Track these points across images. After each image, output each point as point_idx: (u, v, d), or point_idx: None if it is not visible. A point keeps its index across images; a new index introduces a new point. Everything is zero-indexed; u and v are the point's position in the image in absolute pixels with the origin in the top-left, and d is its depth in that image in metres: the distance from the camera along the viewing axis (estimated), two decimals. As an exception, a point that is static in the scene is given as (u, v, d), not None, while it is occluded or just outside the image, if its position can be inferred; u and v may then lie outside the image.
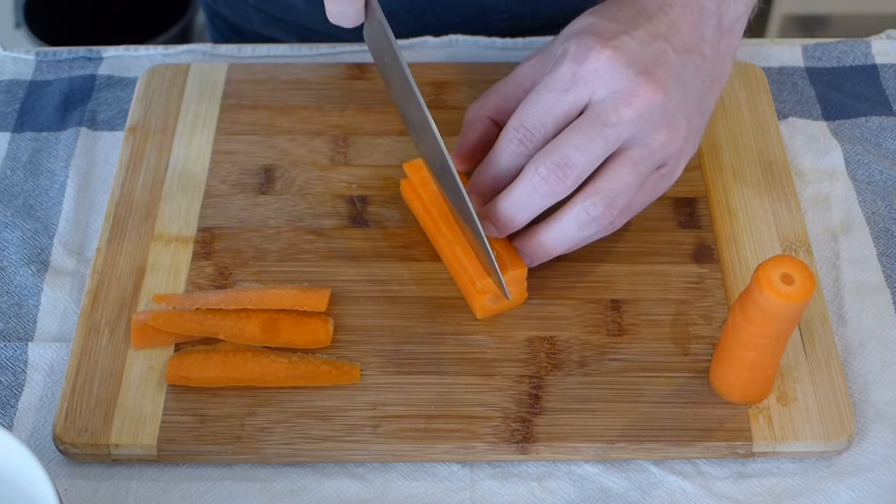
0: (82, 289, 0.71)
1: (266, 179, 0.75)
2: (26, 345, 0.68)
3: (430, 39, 0.85)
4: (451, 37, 0.84)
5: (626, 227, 0.71)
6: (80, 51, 0.84)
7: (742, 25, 0.70)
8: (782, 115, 0.80)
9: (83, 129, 0.79)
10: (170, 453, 0.63)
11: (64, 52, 0.84)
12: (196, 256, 0.71)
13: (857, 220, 0.74)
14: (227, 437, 0.63)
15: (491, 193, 0.67)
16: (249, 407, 0.64)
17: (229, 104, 0.79)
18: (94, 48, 0.84)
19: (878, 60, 0.83)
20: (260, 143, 0.77)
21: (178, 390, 0.65)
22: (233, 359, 0.65)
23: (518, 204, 0.65)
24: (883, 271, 0.72)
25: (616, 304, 0.69)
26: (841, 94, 0.81)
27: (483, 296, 0.67)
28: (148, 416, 0.64)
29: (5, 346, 0.68)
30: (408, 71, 0.63)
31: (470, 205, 0.63)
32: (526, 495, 0.63)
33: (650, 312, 0.68)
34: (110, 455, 0.63)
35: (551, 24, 0.83)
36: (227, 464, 0.64)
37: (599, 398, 0.65)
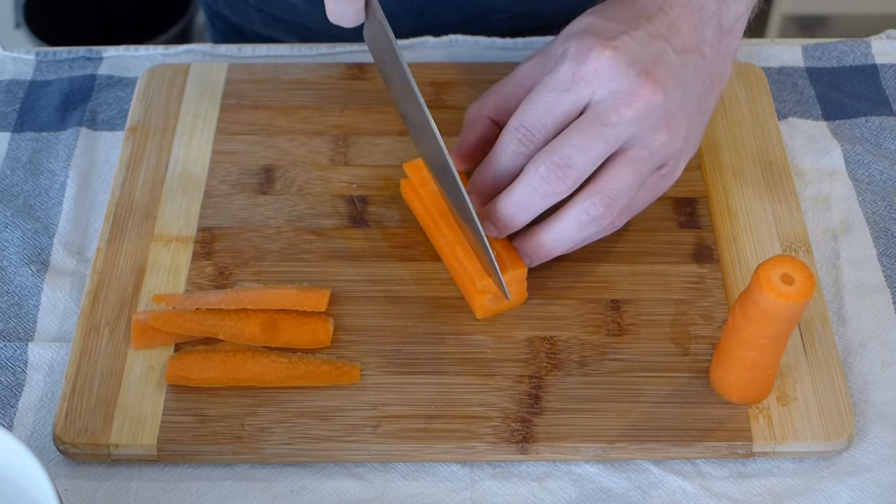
0: (82, 289, 0.71)
1: (266, 179, 0.75)
2: (26, 345, 0.68)
3: (430, 39, 0.85)
4: (451, 37, 0.85)
5: (626, 227, 0.71)
6: (80, 51, 0.84)
7: (742, 26, 0.70)
8: (782, 115, 0.80)
9: (83, 129, 0.79)
10: (170, 453, 0.63)
11: (64, 52, 0.84)
12: (196, 256, 0.71)
13: (857, 220, 0.74)
14: (227, 437, 0.63)
15: (491, 193, 0.67)
16: (249, 407, 0.64)
17: (229, 104, 0.79)
18: (94, 48, 0.84)
19: (878, 60, 0.83)
20: (260, 143, 0.77)
21: (178, 390, 0.65)
22: (233, 359, 0.65)
23: (518, 204, 0.65)
24: (883, 271, 0.72)
25: (616, 304, 0.69)
26: (841, 94, 0.81)
27: (483, 296, 0.67)
28: (148, 416, 0.64)
29: (5, 346, 0.68)
30: (408, 71, 0.63)
31: (470, 205, 0.63)
32: (526, 495, 0.63)
33: (650, 312, 0.68)
34: (110, 455, 0.63)
35: (551, 24, 0.83)
36: (227, 464, 0.64)
37: (599, 398, 0.65)
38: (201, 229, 0.72)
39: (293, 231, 0.72)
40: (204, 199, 0.74)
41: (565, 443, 0.63)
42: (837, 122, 0.80)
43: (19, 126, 0.80)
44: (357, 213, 0.73)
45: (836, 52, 0.84)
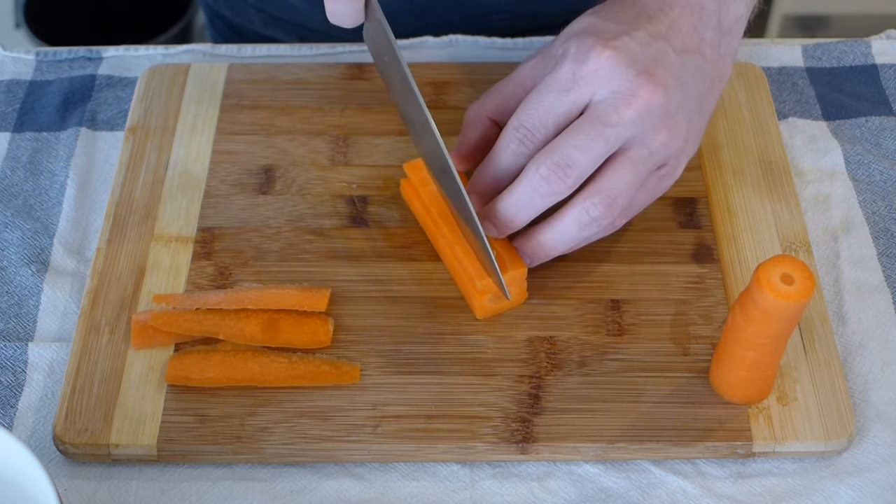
0: (82, 289, 0.71)
1: (266, 179, 0.75)
2: (26, 345, 0.68)
3: (430, 39, 0.85)
4: (451, 37, 0.84)
5: (626, 227, 0.71)
6: (80, 51, 0.84)
7: (742, 26, 0.70)
8: (782, 115, 0.80)
9: (83, 129, 0.79)
10: (170, 453, 0.63)
11: (64, 52, 0.84)
12: (196, 256, 0.71)
13: (857, 220, 0.74)
14: (227, 437, 0.63)
15: (491, 193, 0.67)
16: (249, 407, 0.64)
17: (229, 104, 0.79)
18: (94, 48, 0.84)
19: (878, 60, 0.83)
20: (260, 143, 0.77)
21: (178, 390, 0.65)
22: (233, 359, 0.65)
23: (518, 204, 0.65)
24: (883, 271, 0.72)
25: (616, 304, 0.69)
26: (841, 94, 0.81)
27: (483, 296, 0.67)
28: (148, 416, 0.64)
29: (5, 346, 0.68)
30: (408, 71, 0.63)
31: (470, 205, 0.63)
32: (526, 495, 0.63)
33: (650, 312, 0.68)
34: (110, 455, 0.63)
35: (551, 24, 0.83)
36: (227, 464, 0.64)
37: (599, 398, 0.65)
38: (201, 229, 0.72)
39: (293, 231, 0.72)
40: (204, 199, 0.74)
41: (565, 443, 0.63)
42: (837, 122, 0.80)
43: (19, 126, 0.80)
44: (357, 213, 0.73)
45: (836, 52, 0.84)
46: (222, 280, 0.70)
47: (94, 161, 0.78)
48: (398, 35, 0.65)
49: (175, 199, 0.74)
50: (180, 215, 0.73)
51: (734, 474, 0.64)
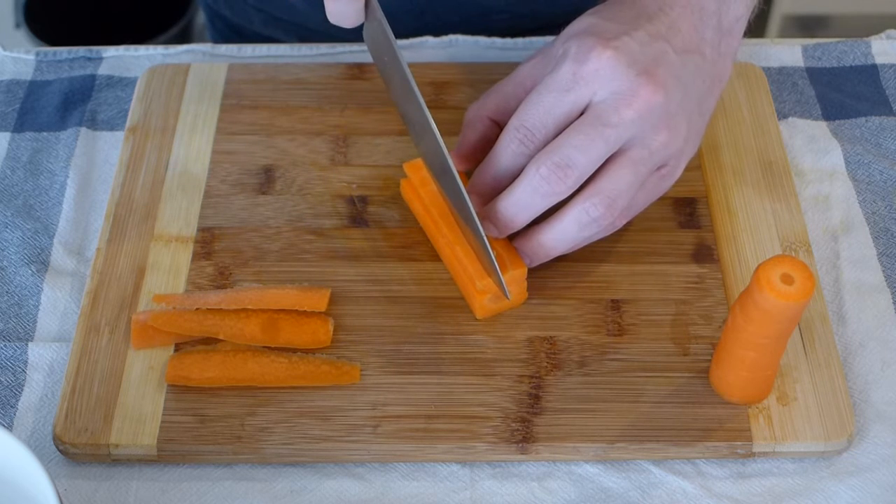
0: (82, 289, 0.71)
1: (266, 179, 0.75)
2: (26, 345, 0.68)
3: (430, 39, 0.85)
4: (451, 37, 0.84)
5: (626, 227, 0.71)
6: (80, 51, 0.84)
7: (742, 26, 0.70)
8: (782, 115, 0.80)
9: (83, 129, 0.79)
10: (170, 453, 0.63)
11: (64, 52, 0.84)
12: (196, 256, 0.71)
13: (857, 220, 0.74)
14: (227, 437, 0.63)
15: (491, 193, 0.67)
16: (249, 407, 0.64)
17: (229, 104, 0.79)
18: (94, 48, 0.84)
19: (878, 60, 0.83)
20: (260, 143, 0.77)
21: (178, 390, 0.65)
22: (233, 359, 0.65)
23: (518, 204, 0.65)
24: (883, 271, 0.72)
25: (616, 304, 0.69)
26: (841, 94, 0.81)
27: (483, 296, 0.67)
28: (148, 416, 0.64)
29: (5, 346, 0.68)
30: (408, 71, 0.63)
31: (470, 205, 0.63)
32: (526, 495, 0.63)
33: (650, 312, 0.68)
34: (110, 455, 0.63)
35: (551, 25, 0.83)
36: (227, 464, 0.64)
37: (599, 398, 0.65)
38: (201, 229, 0.72)
39: (293, 231, 0.72)
40: (204, 199, 0.74)
41: (565, 443, 0.63)
42: (837, 122, 0.80)
43: (19, 126, 0.80)
44: (357, 213, 0.73)
45: (836, 52, 0.84)
46: (222, 280, 0.70)
47: (94, 161, 0.78)
48: (398, 35, 0.65)
49: (175, 199, 0.74)
50: (180, 215, 0.73)
51: (734, 474, 0.64)
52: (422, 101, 0.63)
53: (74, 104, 0.81)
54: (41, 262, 0.72)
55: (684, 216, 0.73)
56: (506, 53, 0.84)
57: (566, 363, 0.66)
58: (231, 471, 0.64)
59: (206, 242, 0.72)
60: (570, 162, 0.63)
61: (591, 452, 0.63)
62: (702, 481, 0.63)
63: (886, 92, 0.81)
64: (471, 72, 0.81)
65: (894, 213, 0.74)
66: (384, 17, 0.64)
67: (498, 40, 0.84)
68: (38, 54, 0.84)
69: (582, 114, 0.64)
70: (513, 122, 0.66)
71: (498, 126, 0.70)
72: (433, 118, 0.63)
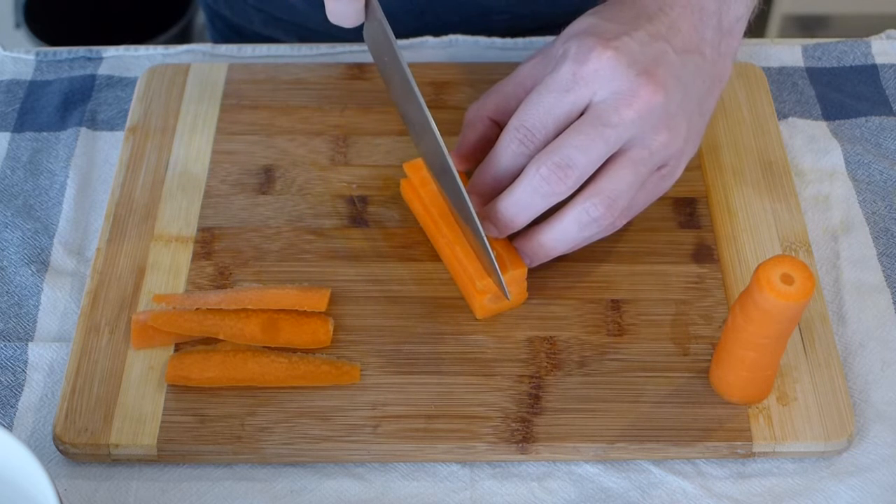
0: (82, 289, 0.71)
1: (266, 179, 0.75)
2: (26, 345, 0.68)
3: (430, 39, 0.85)
4: (451, 37, 0.84)
5: (626, 227, 0.71)
6: (80, 51, 0.84)
7: (742, 26, 0.70)
8: (782, 115, 0.80)
9: (83, 129, 0.79)
10: (170, 453, 0.63)
11: (64, 52, 0.84)
12: (196, 256, 0.71)
13: (857, 220, 0.74)
14: (227, 437, 0.63)
15: (491, 193, 0.67)
16: (249, 407, 0.64)
17: (229, 104, 0.79)
18: (94, 48, 0.84)
19: (878, 60, 0.83)
20: (260, 143, 0.77)
21: (178, 390, 0.65)
22: (233, 359, 0.65)
23: (519, 204, 0.65)
24: (883, 271, 0.72)
25: (616, 304, 0.69)
26: (841, 94, 0.81)
27: (483, 296, 0.67)
28: (148, 416, 0.64)
29: (5, 346, 0.68)
30: (408, 71, 0.64)
31: (470, 205, 0.63)
32: (526, 495, 0.63)
33: (650, 312, 0.68)
34: (110, 455, 0.63)
35: (552, 25, 0.83)
36: (227, 464, 0.64)
37: (599, 398, 0.65)
38: (201, 229, 0.72)
39: (293, 231, 0.72)
40: (204, 199, 0.74)
41: (565, 443, 0.63)
42: (837, 122, 0.80)
43: (19, 126, 0.80)
44: (357, 213, 0.73)
45: (836, 52, 0.84)
46: (222, 280, 0.70)
47: (94, 161, 0.78)
48: (398, 35, 0.65)
49: (175, 199, 0.74)
50: (180, 215, 0.73)
51: (734, 474, 0.64)
52: (422, 101, 0.63)
53: (74, 104, 0.81)
54: (41, 262, 0.72)
55: (684, 216, 0.73)
56: (506, 53, 0.84)
57: (566, 363, 0.66)
58: (231, 471, 0.64)
59: (206, 242, 0.72)
60: (570, 162, 0.63)
61: (591, 452, 0.63)
62: (702, 481, 0.63)
63: (886, 92, 0.81)
64: (471, 72, 0.81)
65: (894, 213, 0.74)
66: (384, 17, 0.64)
67: (498, 40, 0.84)
68: (38, 54, 0.84)
69: (582, 114, 0.64)
70: (513, 122, 0.66)
71: (498, 126, 0.70)
72: (433, 118, 0.63)
